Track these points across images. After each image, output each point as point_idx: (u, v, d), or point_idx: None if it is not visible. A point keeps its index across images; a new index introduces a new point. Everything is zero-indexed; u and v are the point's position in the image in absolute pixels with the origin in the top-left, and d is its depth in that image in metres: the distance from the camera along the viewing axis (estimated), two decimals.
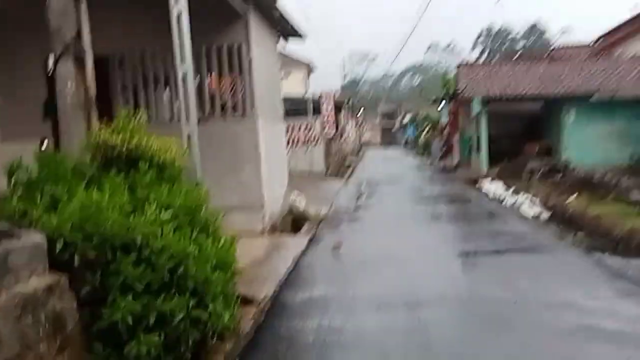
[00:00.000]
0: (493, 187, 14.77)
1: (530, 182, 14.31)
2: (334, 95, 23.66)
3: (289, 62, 42.77)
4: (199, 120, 8.60)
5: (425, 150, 33.22)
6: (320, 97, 22.85)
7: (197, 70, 8.37)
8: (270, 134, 9.41)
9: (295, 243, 8.25)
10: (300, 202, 11.14)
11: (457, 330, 4.26)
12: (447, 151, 24.88)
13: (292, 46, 47.84)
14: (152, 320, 3.59)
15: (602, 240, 7.56)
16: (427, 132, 35.83)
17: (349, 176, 21.09)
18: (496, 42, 73.43)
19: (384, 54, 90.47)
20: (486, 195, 13.50)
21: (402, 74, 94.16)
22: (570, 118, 18.03)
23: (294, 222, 10.43)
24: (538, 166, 15.35)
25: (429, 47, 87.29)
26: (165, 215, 4.15)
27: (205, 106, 8.55)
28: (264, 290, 5.74)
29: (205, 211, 4.96)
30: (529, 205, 11.79)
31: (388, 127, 68.96)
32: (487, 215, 10.06)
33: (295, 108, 22.23)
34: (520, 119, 20.04)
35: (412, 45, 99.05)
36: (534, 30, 74.69)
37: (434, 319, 4.46)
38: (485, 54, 67.22)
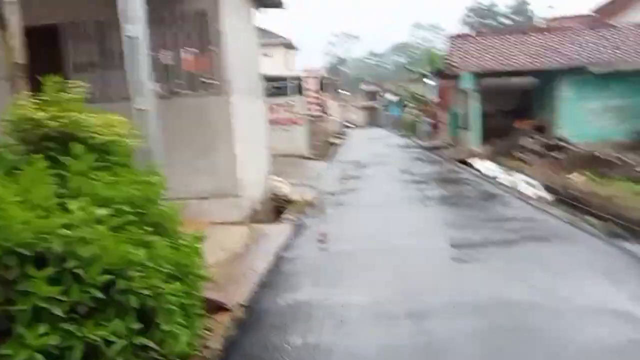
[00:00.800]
0: (486, 167, 14.01)
1: (525, 161, 13.56)
2: (318, 75, 22.57)
3: (270, 41, 41.53)
4: (165, 97, 7.60)
5: (411, 129, 32.40)
6: (303, 76, 21.76)
7: (158, 37, 7.32)
8: (246, 112, 8.41)
9: (277, 233, 7.35)
10: (283, 187, 10.22)
11: (476, 349, 3.39)
12: (435, 130, 24.07)
13: (274, 24, 46.51)
14: (77, 355, 2.67)
15: (621, 225, 6.81)
16: (413, 110, 34.94)
17: (334, 157, 20.18)
18: (483, 19, 72.29)
19: (367, 33, 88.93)
20: (479, 175, 12.72)
21: (386, 54, 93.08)
22: (564, 92, 17.29)
23: (277, 208, 9.53)
24: (532, 143, 14.60)
25: (413, 26, 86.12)
26: (101, 212, 3.20)
27: (170, 80, 7.51)
28: (239, 295, 4.85)
29: (160, 204, 3.98)
30: (527, 186, 11.05)
31: (372, 106, 67.95)
32: (485, 198, 9.27)
33: (277, 87, 21.23)
34: (511, 94, 19.24)
35: (396, 24, 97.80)
36: (521, 6, 73.85)
37: (445, 335, 3.58)
38: (472, 32, 66.21)
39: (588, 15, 23.65)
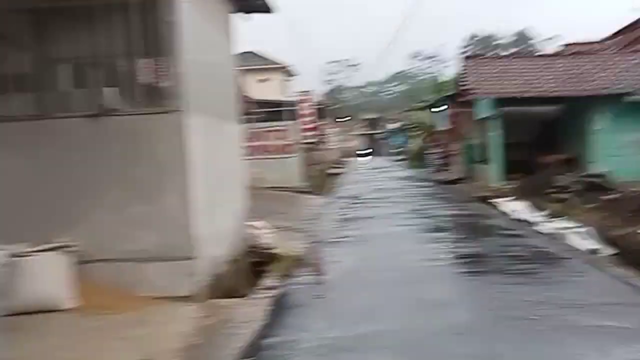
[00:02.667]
0: (516, 209, 11.61)
1: (566, 203, 11.17)
2: (315, 99, 20.45)
3: (268, 66, 39.83)
4: (89, 116, 5.27)
5: (418, 160, 30.13)
6: (298, 100, 19.66)
7: (83, 35, 5.12)
8: (212, 138, 6.08)
9: (245, 317, 4.89)
10: (265, 236, 7.78)
11: None
12: (446, 162, 21.78)
13: (272, 51, 44.92)
14: None
15: None
16: (420, 140, 32.79)
17: (333, 191, 17.79)
18: (483, 49, 71.03)
19: (367, 62, 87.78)
20: (513, 220, 10.29)
21: (386, 82, 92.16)
22: (598, 123, 15.08)
23: (255, 267, 7.07)
24: (568, 181, 12.25)
25: (412, 56, 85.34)
26: None
27: (98, 92, 5.20)
28: None
29: None
30: (578, 237, 8.64)
31: (373, 134, 66.10)
32: (538, 260, 6.62)
33: (271, 112, 19.18)
34: (533, 124, 17.01)
35: (395, 54, 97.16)
36: (522, 37, 72.94)
37: None
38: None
39: (604, 42, 21.72)
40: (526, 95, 15.59)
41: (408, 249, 7.78)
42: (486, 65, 16.88)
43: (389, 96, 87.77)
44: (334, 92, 68.59)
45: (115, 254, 5.19)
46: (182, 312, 4.97)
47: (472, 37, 71.47)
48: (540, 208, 11.60)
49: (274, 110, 19.89)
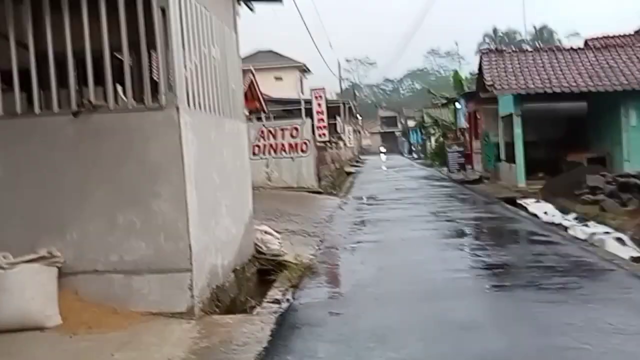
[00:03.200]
0: (545, 211, 10.88)
1: (600, 205, 10.38)
2: (330, 96, 19.83)
3: (283, 64, 39.32)
4: (75, 112, 4.75)
5: (436, 158, 29.31)
6: (313, 96, 19.09)
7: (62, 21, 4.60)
8: (212, 136, 5.52)
9: (246, 339, 4.31)
10: (273, 242, 7.21)
11: None
12: (466, 161, 20.98)
13: (286, 48, 44.48)
14: None
15: None
16: (437, 138, 31.96)
17: (349, 191, 17.16)
18: (502, 46, 69.49)
19: (382, 59, 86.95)
20: (544, 224, 9.53)
21: (402, 80, 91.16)
22: (631, 119, 14.18)
23: (261, 276, 6.51)
24: (602, 182, 11.42)
25: (429, 53, 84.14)
26: None
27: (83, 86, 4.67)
28: None
29: None
30: (617, 243, 7.91)
31: (389, 132, 65.24)
32: (579, 272, 5.69)
33: (285, 111, 18.60)
34: (559, 120, 16.14)
35: (412, 51, 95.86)
36: (542, 33, 71.13)
37: None
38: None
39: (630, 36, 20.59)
40: (551, 90, 14.76)
41: (429, 257, 7.09)
42: (507, 60, 16.09)
43: (405, 94, 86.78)
44: (350, 90, 67.88)
45: (103, 266, 4.67)
46: (177, 331, 4.42)
47: (491, 33, 70.01)
48: (570, 210, 10.86)
49: (288, 109, 19.34)
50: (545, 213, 10.59)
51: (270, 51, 44.45)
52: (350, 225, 10.27)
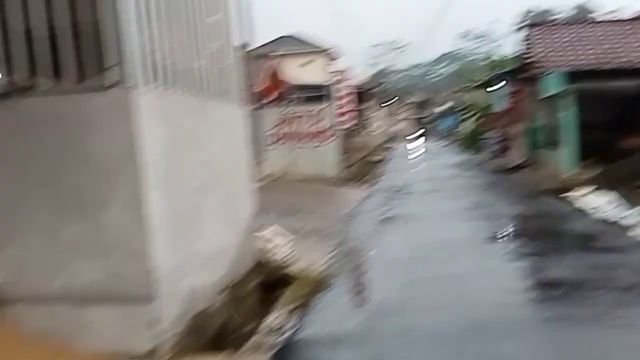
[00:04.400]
0: (601, 206, 9.34)
1: None
2: (355, 79, 18.47)
3: (307, 49, 37.99)
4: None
5: (470, 144, 27.55)
6: (336, 80, 17.77)
7: None
8: (191, 125, 4.35)
9: None
10: (280, 248, 6.08)
11: None
12: (505, 146, 19.29)
13: (313, 34, 42.98)
14: None
15: None
16: (473, 122, 30.09)
17: (375, 182, 15.86)
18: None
19: (413, 43, 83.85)
20: (600, 223, 8.06)
21: (435, 63, 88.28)
22: None
23: (262, 294, 5.38)
24: None
25: (461, 36, 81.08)
26: None
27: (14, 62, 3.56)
28: None
29: None
30: None
31: (421, 117, 63.08)
32: None
33: (311, 98, 17.52)
34: (612, 101, 14.32)
35: (443, 34, 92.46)
36: (582, 10, 67.14)
37: None
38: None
39: None
40: (605, 67, 13.00)
41: (468, 270, 5.77)
42: (555, 34, 14.32)
43: (436, 78, 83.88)
44: (379, 75, 65.90)
45: (46, 292, 3.63)
46: None
47: (527, 12, 66.23)
48: (630, 204, 9.28)
49: (313, 95, 18.19)
50: (599, 208, 9.06)
51: (294, 37, 43.16)
52: (374, 224, 9.03)
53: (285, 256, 6.02)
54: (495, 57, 25.61)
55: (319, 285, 5.39)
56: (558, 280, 5.12)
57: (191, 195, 4.24)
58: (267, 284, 5.45)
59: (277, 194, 11.35)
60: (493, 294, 4.80)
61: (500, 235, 7.65)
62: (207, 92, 4.71)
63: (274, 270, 5.63)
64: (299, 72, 33.93)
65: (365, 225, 9.01)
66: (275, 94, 26.27)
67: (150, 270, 3.54)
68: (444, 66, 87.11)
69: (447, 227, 8.26)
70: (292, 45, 40.20)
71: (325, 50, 37.32)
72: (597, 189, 11.33)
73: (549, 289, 4.99)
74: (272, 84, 26.49)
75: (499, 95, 20.41)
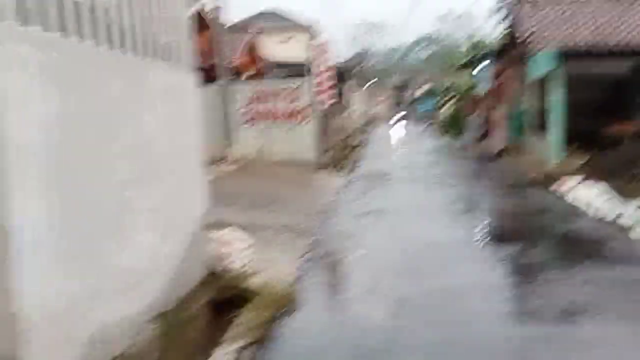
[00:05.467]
0: (596, 201, 8.54)
1: None
2: (329, 49, 17.30)
3: (289, 25, 36.44)
4: None
5: (451, 127, 26.77)
6: (314, 54, 16.54)
7: None
8: (106, 93, 3.17)
9: None
10: (238, 253, 5.01)
11: None
12: (488, 130, 18.51)
13: (295, 11, 41.39)
14: None
15: None
16: (452, 105, 29.30)
17: (355, 167, 14.85)
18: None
19: (394, 24, 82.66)
20: (601, 222, 7.22)
21: (413, 45, 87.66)
22: None
23: (215, 312, 4.32)
24: None
25: (441, 18, 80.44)
26: None
27: None
28: None
29: None
30: None
31: (400, 100, 62.27)
32: None
33: (291, 76, 16.45)
34: (604, 84, 13.58)
35: (422, 16, 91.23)
36: None
37: None
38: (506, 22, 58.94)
39: None
40: (600, 47, 12.17)
41: (465, 283, 4.73)
42: (548, 9, 13.38)
43: (415, 61, 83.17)
44: (360, 56, 64.65)
45: None
46: None
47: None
48: (622, 197, 8.50)
49: (289, 75, 17.10)
50: (594, 202, 8.23)
51: (276, 13, 41.53)
52: (353, 218, 8.03)
53: (246, 264, 4.96)
54: (476, 38, 24.68)
55: (284, 304, 4.35)
56: (582, 308, 4.06)
57: (108, 193, 3.12)
58: (220, 302, 4.38)
59: (246, 181, 10.23)
60: (499, 321, 3.83)
61: (490, 237, 6.73)
62: (137, 48, 3.54)
63: (230, 284, 4.57)
64: (279, 48, 32.53)
65: (343, 219, 8.00)
66: (252, 70, 24.89)
67: (14, 314, 2.40)
68: (423, 48, 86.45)
69: (430, 226, 7.31)
70: (273, 20, 38.67)
71: (306, 27, 35.87)
72: (585, 179, 10.56)
73: (567, 314, 4.00)
74: (250, 59, 25.07)
75: (481, 77, 19.55)
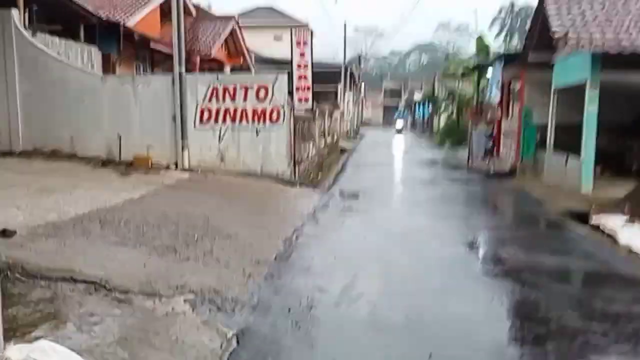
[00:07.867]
0: None
1: None
2: (312, 39, 14.84)
3: (282, 23, 34.11)
4: None
5: (449, 137, 24.39)
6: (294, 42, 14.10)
7: None
8: None
9: None
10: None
11: None
12: (494, 145, 16.12)
13: (291, 8, 38.97)
14: None
15: None
16: (450, 113, 26.98)
17: (334, 181, 12.29)
18: (518, 21, 62.58)
19: (389, 31, 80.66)
20: None
21: (409, 53, 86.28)
22: None
23: None
24: None
25: (438, 27, 78.80)
26: None
27: None
28: None
29: None
30: None
31: (393, 105, 60.07)
32: None
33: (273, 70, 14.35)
34: (631, 99, 11.32)
35: (420, 24, 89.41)
36: None
37: None
38: (504, 35, 56.63)
39: None
40: None
41: None
42: (581, 4, 11.03)
43: (412, 68, 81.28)
44: (356, 61, 62.48)
45: None
46: None
47: (508, 8, 62.75)
48: None
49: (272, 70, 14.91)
50: None
51: (271, 8, 39.20)
52: (324, 263, 5.50)
53: None
54: (484, 41, 22.43)
55: None
56: None
57: None
58: None
59: (188, 198, 7.67)
60: None
61: (527, 310, 4.28)
62: None
63: None
64: (273, 45, 30.20)
65: (309, 266, 5.45)
66: (237, 63, 22.32)
67: None
68: (421, 55, 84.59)
69: (437, 282, 4.86)
70: (268, 17, 36.45)
71: (302, 25, 33.50)
72: (630, 217, 8.13)
73: None
74: (234, 52, 22.50)
75: (493, 84, 17.15)
